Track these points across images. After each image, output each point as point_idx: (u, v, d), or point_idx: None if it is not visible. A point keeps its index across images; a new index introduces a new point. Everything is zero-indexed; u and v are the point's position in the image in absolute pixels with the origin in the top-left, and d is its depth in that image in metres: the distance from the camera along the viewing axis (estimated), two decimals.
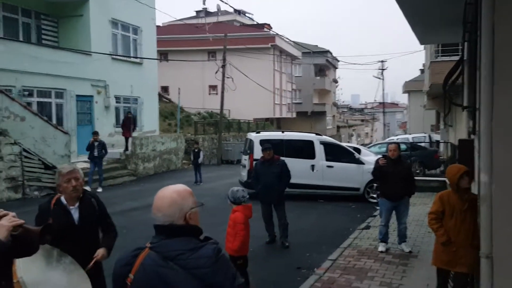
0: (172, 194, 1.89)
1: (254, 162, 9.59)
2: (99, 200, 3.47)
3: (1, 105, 12.09)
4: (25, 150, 12.62)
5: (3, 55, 13.59)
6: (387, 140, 25.81)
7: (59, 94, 16.15)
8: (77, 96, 16.78)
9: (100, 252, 3.28)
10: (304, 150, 11.91)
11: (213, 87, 34.59)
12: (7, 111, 12.25)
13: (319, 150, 11.86)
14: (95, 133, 13.96)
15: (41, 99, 15.42)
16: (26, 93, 14.66)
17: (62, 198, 3.30)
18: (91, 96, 17.67)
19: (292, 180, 7.89)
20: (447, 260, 4.22)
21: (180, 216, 1.86)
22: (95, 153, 13.35)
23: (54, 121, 15.11)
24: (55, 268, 2.96)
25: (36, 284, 2.69)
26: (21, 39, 16.11)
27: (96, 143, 13.44)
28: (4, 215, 2.24)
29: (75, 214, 3.27)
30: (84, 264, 3.17)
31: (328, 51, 48.03)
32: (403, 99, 78.51)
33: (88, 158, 13.62)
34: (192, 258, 1.77)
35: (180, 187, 1.96)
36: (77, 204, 3.29)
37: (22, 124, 12.67)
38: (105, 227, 3.47)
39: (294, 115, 43.24)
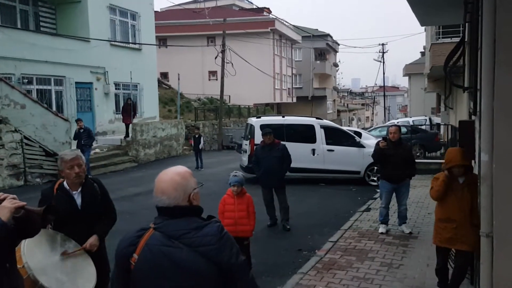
0: (175, 177, 1.91)
1: (255, 147, 9.61)
2: (102, 185, 3.49)
3: (1, 93, 12.06)
4: (26, 138, 12.63)
5: (2, 43, 13.52)
6: (387, 123, 25.78)
7: (59, 81, 16.11)
8: (77, 83, 16.74)
9: (89, 241, 3.23)
10: (305, 134, 11.92)
11: (212, 73, 34.42)
12: (7, 99, 12.23)
13: (320, 134, 11.87)
14: (79, 120, 13.59)
15: (41, 87, 15.39)
16: (26, 80, 14.62)
17: (65, 183, 3.32)
18: (91, 83, 17.62)
19: (293, 164, 7.91)
20: (447, 237, 4.26)
21: (184, 198, 1.89)
22: (82, 142, 12.96)
23: (54, 108, 15.10)
24: (60, 252, 3.00)
25: (41, 269, 2.73)
26: (19, 26, 16.00)
27: (81, 131, 13.11)
28: (5, 198, 2.27)
29: (78, 199, 3.30)
30: None
31: (328, 35, 47.64)
32: (403, 82, 78.29)
33: (77, 147, 12.90)
34: (198, 236, 1.81)
35: (180, 168, 1.98)
36: (79, 189, 3.32)
37: (22, 112, 12.66)
38: (105, 212, 3.48)
39: (295, 100, 43.12)
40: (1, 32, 13.78)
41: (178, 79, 23.37)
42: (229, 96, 31.75)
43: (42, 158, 13.03)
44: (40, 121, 13.14)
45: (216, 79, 30.38)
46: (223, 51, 24.22)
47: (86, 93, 17.59)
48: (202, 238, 1.80)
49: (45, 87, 15.56)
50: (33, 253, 2.78)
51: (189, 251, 1.79)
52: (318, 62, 46.72)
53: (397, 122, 23.89)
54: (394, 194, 6.89)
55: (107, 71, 18.23)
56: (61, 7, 17.67)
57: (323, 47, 46.79)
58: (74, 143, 14.54)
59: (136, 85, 20.46)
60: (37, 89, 15.15)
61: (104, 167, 14.89)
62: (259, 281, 5.16)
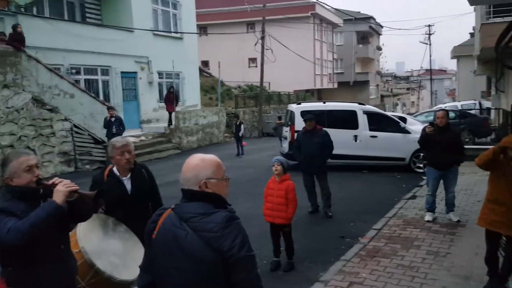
0: (195, 161, 1.97)
1: (296, 133, 9.56)
2: (149, 171, 3.60)
3: (51, 83, 12.64)
4: (75, 126, 13.22)
5: (51, 35, 14.10)
6: (434, 108, 24.87)
7: (105, 71, 16.66)
8: (122, 72, 17.24)
9: None
10: (347, 120, 11.71)
11: (252, 60, 34.40)
12: (57, 88, 12.81)
13: (362, 120, 11.62)
14: (111, 108, 13.26)
15: (88, 77, 15.98)
16: (74, 71, 15.21)
17: (115, 169, 3.44)
18: (135, 73, 18.10)
19: (335, 151, 7.80)
20: (493, 220, 4.08)
21: (194, 182, 1.93)
22: (114, 130, 12.59)
23: (101, 97, 15.66)
24: (112, 236, 3.13)
25: (96, 253, 2.86)
26: (66, 18, 16.61)
27: (113, 119, 12.82)
28: (59, 182, 2.39)
29: (128, 184, 3.41)
30: (137, 231, 3.33)
31: (371, 17, 46.23)
32: (451, 65, 74.80)
33: (106, 136, 12.92)
34: (202, 222, 1.85)
35: (208, 156, 2.02)
36: (129, 175, 3.43)
37: (71, 101, 13.23)
38: (152, 197, 3.58)
39: (336, 85, 42.39)
40: (50, 24, 14.37)
41: (219, 67, 23.54)
42: (269, 82, 31.67)
43: (91, 146, 13.60)
44: (88, 110, 13.69)
45: (256, 66, 30.36)
46: (262, 38, 24.10)
47: (131, 82, 18.09)
48: (206, 224, 1.84)
49: (92, 77, 16.15)
50: (88, 237, 2.92)
51: (193, 235, 1.84)
52: (360, 46, 45.54)
53: (445, 107, 22.99)
54: (441, 182, 6.68)
55: (150, 61, 18.65)
56: None
57: (365, 30, 45.51)
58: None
59: (178, 74, 20.81)
60: (84, 79, 15.75)
61: (149, 154, 15.34)
62: (301, 267, 5.21)
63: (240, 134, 15.85)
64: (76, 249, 2.79)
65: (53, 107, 12.56)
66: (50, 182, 2.43)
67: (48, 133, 12.39)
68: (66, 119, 12.96)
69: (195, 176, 1.92)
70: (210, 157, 2.02)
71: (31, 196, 2.44)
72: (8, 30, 12.01)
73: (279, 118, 19.46)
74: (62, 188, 2.35)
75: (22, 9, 13.73)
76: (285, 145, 12.37)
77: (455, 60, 41.53)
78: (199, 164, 1.95)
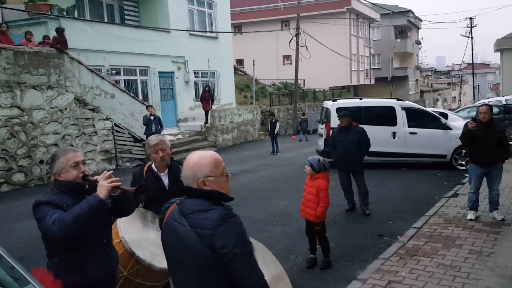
0: (193, 160, 2.00)
1: (331, 130, 9.46)
2: None
3: (93, 84, 13.09)
4: (116, 125, 13.64)
5: (92, 36, 14.61)
6: (477, 103, 23.91)
7: (143, 72, 17.08)
8: (160, 72, 17.62)
9: None
10: (385, 116, 11.45)
11: (287, 57, 34.28)
12: (98, 89, 13.25)
13: (401, 116, 11.33)
14: (150, 107, 13.26)
15: (128, 77, 16.44)
16: (114, 71, 15.68)
17: (153, 166, 3.57)
18: (172, 72, 18.46)
19: (372, 148, 7.66)
20: None
21: (193, 181, 1.96)
22: (153, 129, 12.53)
23: (140, 97, 16.08)
24: (151, 228, 3.23)
25: (136, 242, 2.96)
26: (106, 20, 17.15)
27: (152, 117, 12.79)
28: (103, 176, 2.48)
29: (165, 180, 3.52)
30: None
31: (409, 11, 45.00)
32: (495, 58, 71.71)
33: (145, 135, 12.94)
34: (198, 218, 1.89)
35: (205, 154, 2.04)
36: (166, 171, 3.54)
37: (112, 101, 13.66)
38: None
39: (373, 81, 41.52)
40: (91, 26, 14.88)
41: (253, 65, 23.63)
42: (304, 80, 31.46)
43: (131, 144, 14.00)
44: (128, 109, 14.09)
45: (290, 63, 30.24)
46: (297, 35, 23.97)
47: (168, 82, 18.47)
48: (201, 220, 1.88)
49: (131, 77, 16.60)
50: (128, 229, 3.03)
51: (190, 231, 1.89)
52: (398, 40, 44.41)
53: (488, 102, 22.05)
54: (484, 179, 6.42)
55: (186, 60, 18.96)
56: (144, 0, 18.64)
57: (404, 24, 44.33)
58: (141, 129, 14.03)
59: (214, 73, 21.06)
60: (124, 79, 16.22)
61: (186, 151, 15.58)
62: (338, 265, 5.15)
63: (276, 131, 15.84)
64: (117, 240, 2.89)
65: (94, 107, 13.01)
66: (95, 178, 2.53)
67: (90, 132, 12.85)
68: (107, 119, 13.39)
69: (193, 175, 1.96)
70: (208, 154, 2.03)
71: (77, 191, 2.55)
72: (52, 33, 12.53)
73: (303, 114, 22.33)
74: (105, 183, 2.44)
75: (64, 13, 14.27)
76: (320, 143, 12.25)
77: (498, 53, 39.71)
78: (197, 162, 1.98)
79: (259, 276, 1.89)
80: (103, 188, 2.42)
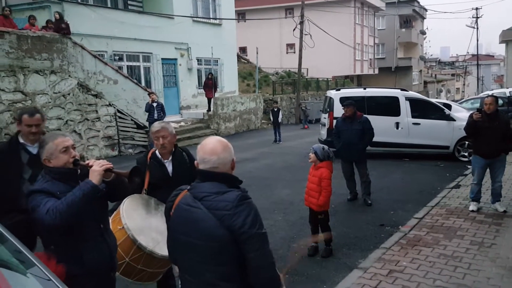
0: (223, 143, 2.06)
1: (335, 120, 9.42)
2: (190, 154, 3.67)
3: (96, 69, 13.04)
4: (119, 111, 13.62)
5: (95, 22, 14.51)
6: (481, 95, 23.78)
7: (146, 58, 17.00)
8: (163, 59, 17.54)
9: None
10: (388, 107, 11.39)
11: (290, 46, 34.02)
12: (101, 75, 13.20)
13: (405, 106, 11.28)
14: (152, 93, 13.21)
15: (130, 63, 16.37)
16: (117, 57, 15.62)
17: (157, 153, 3.55)
18: (175, 59, 18.36)
19: (375, 138, 7.63)
20: None
21: (229, 164, 2.04)
22: (155, 116, 12.53)
23: (143, 83, 16.02)
24: (154, 215, 3.23)
25: (139, 229, 2.97)
26: (109, 5, 17.00)
27: (154, 104, 12.79)
28: (94, 162, 2.45)
29: (169, 167, 3.51)
30: None
31: (415, 0, 44.52)
32: (499, 50, 71.11)
33: (147, 121, 13.00)
34: (216, 200, 1.94)
35: (223, 139, 2.10)
36: (170, 158, 3.53)
37: (115, 87, 13.62)
38: (193, 179, 3.65)
39: (376, 71, 41.27)
40: (94, 12, 14.77)
41: (257, 53, 23.46)
42: (307, 69, 31.26)
43: (133, 130, 14.00)
44: (131, 96, 14.05)
45: (294, 52, 30.01)
46: (301, 23, 23.76)
47: (171, 69, 18.38)
48: (219, 202, 1.92)
49: (134, 63, 16.53)
50: (131, 215, 3.03)
51: (207, 213, 1.93)
52: (403, 30, 44.05)
53: (492, 93, 21.93)
54: (487, 171, 6.41)
55: (190, 47, 18.85)
56: None
57: (409, 13, 43.92)
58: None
59: (217, 60, 20.93)
60: (127, 66, 16.14)
61: (188, 139, 15.60)
62: (339, 254, 5.18)
63: (278, 120, 15.80)
64: (120, 226, 2.89)
65: (97, 92, 12.98)
66: (86, 162, 2.48)
67: (93, 117, 12.84)
68: (110, 105, 13.36)
69: (230, 157, 2.04)
70: (223, 140, 2.10)
71: (69, 176, 2.49)
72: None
73: (299, 104, 23.25)
74: (97, 168, 2.40)
75: None
76: (323, 132, 12.23)
77: (503, 45, 39.33)
78: (228, 145, 2.06)
79: (270, 256, 1.97)
80: (95, 173, 2.38)
